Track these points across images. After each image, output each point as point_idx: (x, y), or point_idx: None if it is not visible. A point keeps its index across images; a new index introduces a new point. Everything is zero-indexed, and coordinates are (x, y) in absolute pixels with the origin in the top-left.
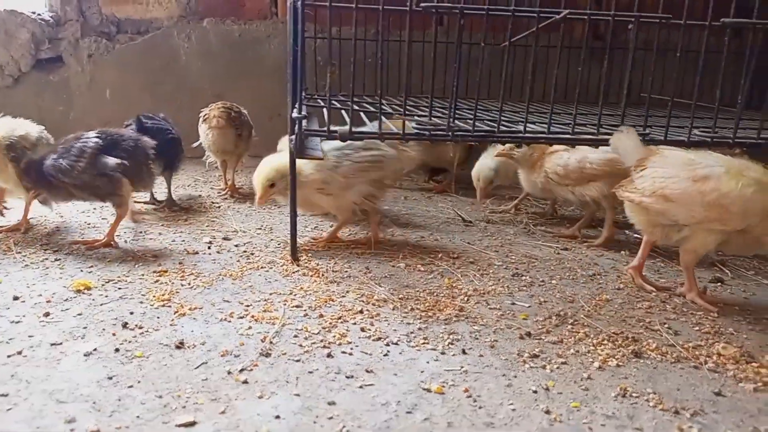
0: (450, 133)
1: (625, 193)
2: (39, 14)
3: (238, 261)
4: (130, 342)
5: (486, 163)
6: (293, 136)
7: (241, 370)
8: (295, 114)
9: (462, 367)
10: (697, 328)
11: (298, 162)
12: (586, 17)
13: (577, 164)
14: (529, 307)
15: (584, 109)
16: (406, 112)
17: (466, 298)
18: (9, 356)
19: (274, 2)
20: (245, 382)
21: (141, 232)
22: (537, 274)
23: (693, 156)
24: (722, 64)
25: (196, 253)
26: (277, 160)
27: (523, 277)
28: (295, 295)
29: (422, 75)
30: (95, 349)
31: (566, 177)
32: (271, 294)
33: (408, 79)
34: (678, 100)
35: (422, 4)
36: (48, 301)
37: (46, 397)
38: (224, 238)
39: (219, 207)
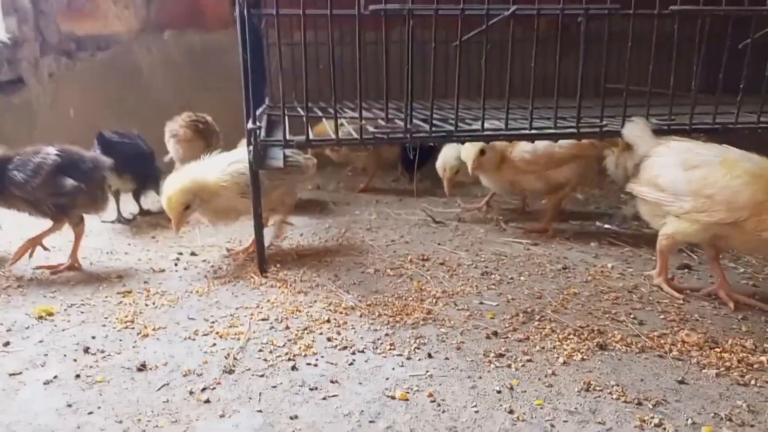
0: (408, 135)
1: (630, 185)
2: None
3: (205, 277)
4: (91, 367)
5: (450, 153)
6: (250, 147)
7: (204, 389)
8: (249, 125)
9: (427, 371)
10: (662, 316)
11: (212, 172)
12: (534, 12)
13: (544, 149)
14: (497, 305)
15: (540, 104)
16: (347, 115)
17: (434, 301)
18: None
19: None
20: (207, 401)
21: (107, 252)
22: (506, 272)
23: (697, 146)
24: (673, 53)
25: (163, 270)
26: (181, 179)
27: (492, 276)
28: (261, 308)
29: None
30: (55, 377)
31: (535, 162)
32: (237, 308)
33: (360, 83)
34: (634, 88)
35: (371, 7)
36: (8, 330)
37: (4, 429)
38: (192, 254)
39: (188, 222)
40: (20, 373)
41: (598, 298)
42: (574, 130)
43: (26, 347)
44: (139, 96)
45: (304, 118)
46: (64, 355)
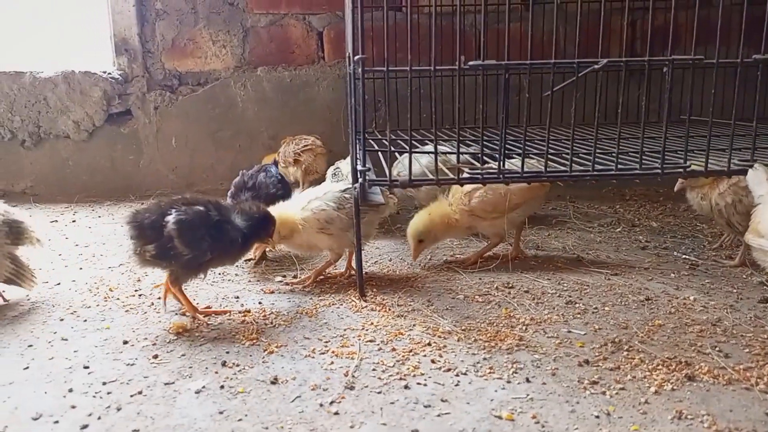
0: (501, 176)
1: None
2: (109, 73)
3: (311, 299)
4: (231, 379)
5: (415, 222)
6: (356, 185)
7: (331, 403)
8: (359, 167)
9: (528, 394)
10: (747, 350)
11: (294, 209)
12: (622, 64)
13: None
14: (585, 334)
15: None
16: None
17: (524, 328)
18: (131, 395)
19: (320, 48)
20: (336, 413)
21: (219, 273)
22: (590, 301)
23: None
24: (756, 99)
25: (272, 292)
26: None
27: (577, 305)
28: (367, 330)
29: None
30: (203, 387)
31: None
32: (345, 330)
33: (458, 131)
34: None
35: (470, 63)
36: (154, 344)
37: (171, 431)
38: (294, 277)
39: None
40: (173, 382)
41: (683, 330)
42: (659, 171)
43: (172, 360)
44: (233, 127)
45: (409, 157)
46: (206, 368)
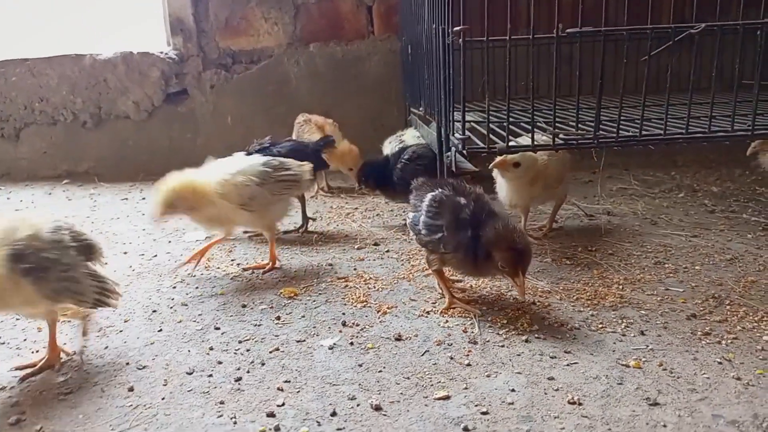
0: (596, 141)
1: None
2: (166, 53)
3: (402, 265)
4: (356, 337)
5: None
6: (448, 153)
7: (461, 356)
8: (459, 135)
9: (647, 346)
10: None
11: (209, 179)
12: (716, 29)
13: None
14: (683, 291)
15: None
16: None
17: (620, 287)
18: (270, 352)
19: (370, 23)
20: (468, 365)
21: (303, 243)
22: (678, 261)
23: None
24: None
25: (362, 259)
26: (178, 180)
27: (666, 265)
28: (468, 292)
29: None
30: (335, 344)
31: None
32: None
33: (554, 99)
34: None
35: (568, 30)
36: (271, 307)
37: (320, 381)
38: (375, 244)
39: (346, 215)
40: (304, 340)
41: None
42: (749, 132)
43: (294, 321)
44: (287, 103)
45: (506, 125)
46: (329, 328)
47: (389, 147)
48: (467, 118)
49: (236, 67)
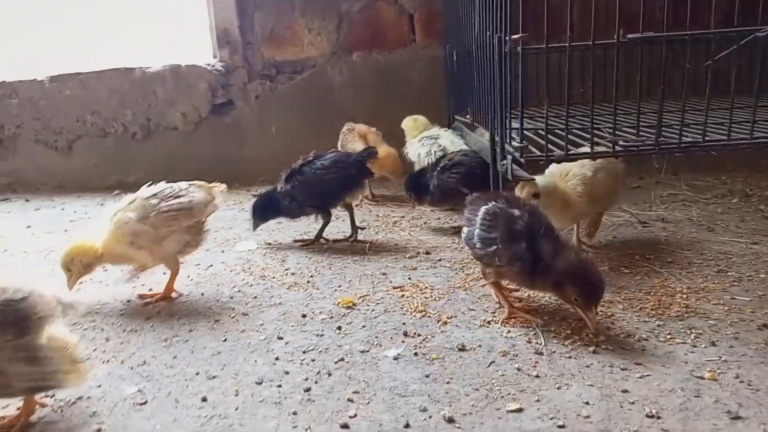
0: (657, 147)
1: None
2: (212, 65)
3: (457, 273)
4: (420, 347)
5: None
6: (504, 162)
7: (528, 367)
8: (515, 144)
9: (719, 357)
10: None
11: (85, 239)
12: None
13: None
14: (750, 301)
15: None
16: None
17: (685, 296)
18: (335, 362)
19: (411, 30)
20: (537, 376)
21: (352, 253)
22: (740, 270)
23: None
24: None
25: (415, 269)
26: (72, 242)
27: (729, 273)
28: (526, 301)
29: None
30: (399, 354)
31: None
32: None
33: (615, 104)
34: None
35: (629, 36)
36: (331, 317)
37: (389, 392)
38: (426, 252)
39: (394, 224)
40: (368, 351)
41: None
42: None
43: (355, 331)
44: (331, 112)
45: (565, 131)
46: (391, 338)
47: (418, 147)
48: (519, 126)
49: (280, 78)
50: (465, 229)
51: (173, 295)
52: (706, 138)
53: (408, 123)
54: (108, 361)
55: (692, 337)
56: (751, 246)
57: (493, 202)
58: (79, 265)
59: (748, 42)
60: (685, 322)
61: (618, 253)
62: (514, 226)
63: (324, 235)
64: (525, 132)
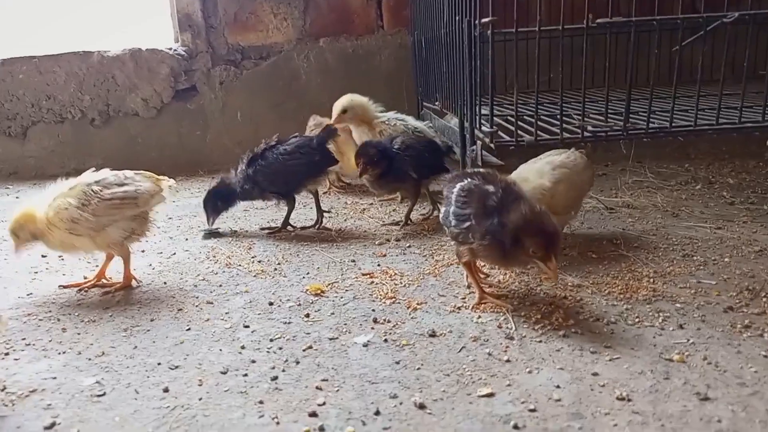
0: (625, 133)
1: None
2: (175, 50)
3: (426, 260)
4: (389, 334)
5: None
6: (473, 147)
7: (499, 352)
8: (486, 129)
9: (687, 339)
10: None
11: (35, 208)
12: (748, 17)
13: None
14: (716, 284)
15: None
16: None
17: (652, 280)
18: (304, 350)
19: (379, 17)
20: (508, 360)
21: (318, 240)
22: (706, 254)
23: None
24: None
25: (384, 256)
26: (20, 209)
27: (694, 258)
28: (497, 287)
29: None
30: (369, 341)
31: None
32: (473, 286)
33: (584, 89)
34: None
35: (598, 21)
36: (299, 305)
37: (358, 379)
38: (396, 240)
39: (362, 211)
40: (337, 338)
41: None
42: None
43: (324, 318)
44: (297, 99)
45: (535, 118)
46: (361, 325)
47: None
48: (489, 111)
49: (245, 63)
50: (442, 209)
51: (133, 283)
52: (673, 124)
53: (359, 102)
54: (64, 353)
55: (660, 320)
56: (716, 231)
57: (469, 179)
58: (26, 234)
59: (715, 28)
60: (652, 306)
61: (585, 239)
62: (487, 201)
63: (291, 222)
64: (495, 118)
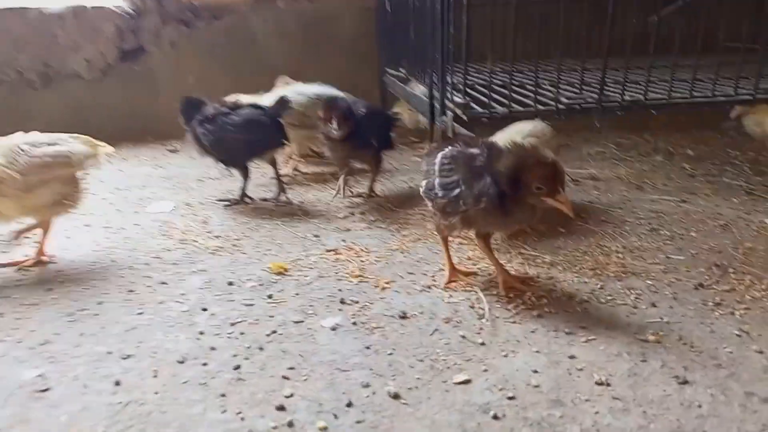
0: (600, 105)
1: None
2: (120, 7)
3: (393, 235)
4: (358, 315)
5: None
6: (443, 118)
7: (473, 334)
8: (457, 99)
9: (661, 318)
10: None
11: None
12: None
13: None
14: (684, 259)
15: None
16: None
17: (621, 255)
18: (267, 335)
19: None
20: (482, 343)
21: (281, 214)
22: (672, 228)
23: None
24: None
25: (348, 230)
26: None
27: (661, 232)
28: (466, 264)
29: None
30: (337, 324)
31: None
32: (443, 264)
33: (558, 66)
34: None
35: None
36: (261, 285)
37: (328, 367)
38: (361, 213)
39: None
40: (302, 321)
41: None
42: (752, 96)
43: (288, 299)
44: (253, 63)
45: (508, 88)
46: (327, 306)
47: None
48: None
49: (198, 23)
50: (423, 183)
51: (45, 258)
52: (648, 97)
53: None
54: (2, 341)
55: (632, 298)
56: (680, 204)
57: (450, 147)
58: None
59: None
60: (623, 283)
61: (553, 213)
62: (474, 163)
63: (248, 193)
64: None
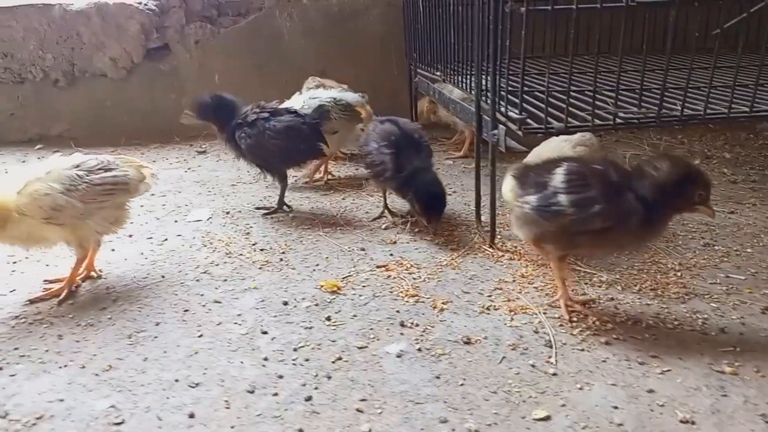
0: (658, 120)
1: None
2: (145, 4)
3: (441, 249)
4: (421, 340)
5: None
6: (495, 132)
7: (542, 363)
8: (513, 115)
9: (734, 347)
10: None
11: (9, 189)
12: None
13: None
14: (746, 279)
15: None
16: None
17: (679, 273)
18: (333, 362)
19: None
20: (554, 374)
21: (325, 225)
22: (726, 243)
23: None
24: None
25: (394, 243)
26: None
27: (716, 248)
28: (521, 282)
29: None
30: (401, 350)
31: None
32: (498, 282)
33: (619, 71)
34: None
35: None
36: (316, 305)
37: (400, 398)
38: (402, 224)
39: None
40: (366, 347)
41: None
42: None
43: (347, 321)
44: (279, 60)
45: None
46: (388, 329)
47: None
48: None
49: (223, 21)
50: (532, 198)
51: (94, 274)
52: (708, 111)
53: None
54: (66, 366)
55: (700, 323)
56: (729, 216)
57: (568, 163)
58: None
59: (759, 9)
60: (687, 306)
61: None
62: (611, 179)
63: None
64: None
